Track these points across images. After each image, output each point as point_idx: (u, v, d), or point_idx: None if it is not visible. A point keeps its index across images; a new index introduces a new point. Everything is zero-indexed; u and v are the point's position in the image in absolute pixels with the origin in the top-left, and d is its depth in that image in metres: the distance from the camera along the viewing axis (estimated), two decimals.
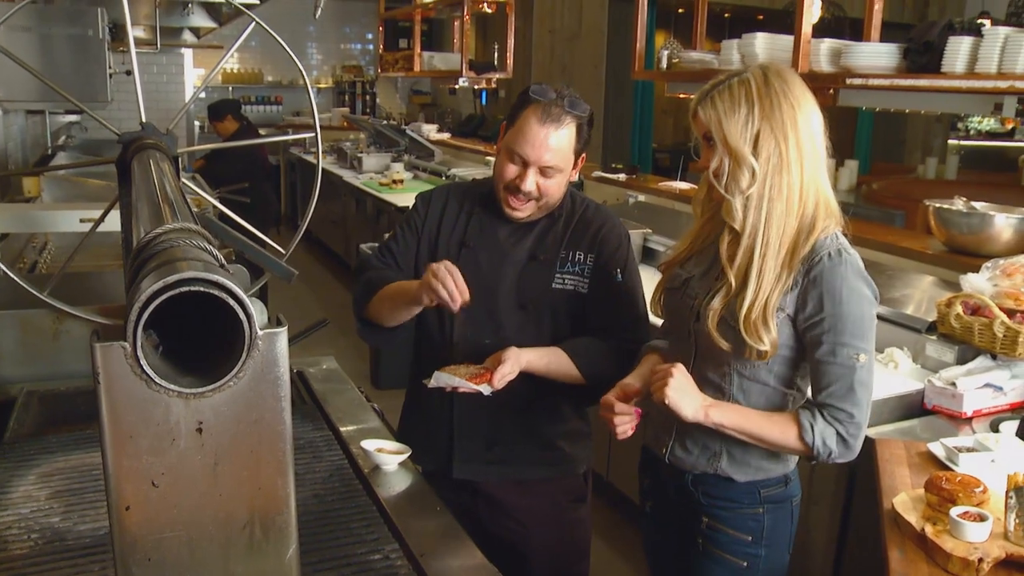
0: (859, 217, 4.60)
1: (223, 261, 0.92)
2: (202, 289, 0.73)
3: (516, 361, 1.91)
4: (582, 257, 2.04)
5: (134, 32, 7.12)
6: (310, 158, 8.87)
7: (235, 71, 10.91)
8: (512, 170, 1.95)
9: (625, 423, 1.80)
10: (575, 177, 2.04)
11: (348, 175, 7.60)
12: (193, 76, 8.34)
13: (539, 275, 2.03)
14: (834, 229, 1.72)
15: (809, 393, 1.78)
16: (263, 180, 5.98)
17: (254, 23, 2.28)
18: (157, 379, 0.73)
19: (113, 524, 0.75)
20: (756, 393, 1.77)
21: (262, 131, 8.43)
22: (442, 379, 1.88)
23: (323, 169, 8.14)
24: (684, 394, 1.70)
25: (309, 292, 7.33)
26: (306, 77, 2.38)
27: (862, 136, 9.45)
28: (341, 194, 7.61)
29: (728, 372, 1.77)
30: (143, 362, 0.72)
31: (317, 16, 2.65)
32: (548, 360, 1.97)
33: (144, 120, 2.29)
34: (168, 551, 0.76)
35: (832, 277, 1.66)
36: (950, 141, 9.81)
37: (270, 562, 0.80)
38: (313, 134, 2.41)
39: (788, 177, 1.67)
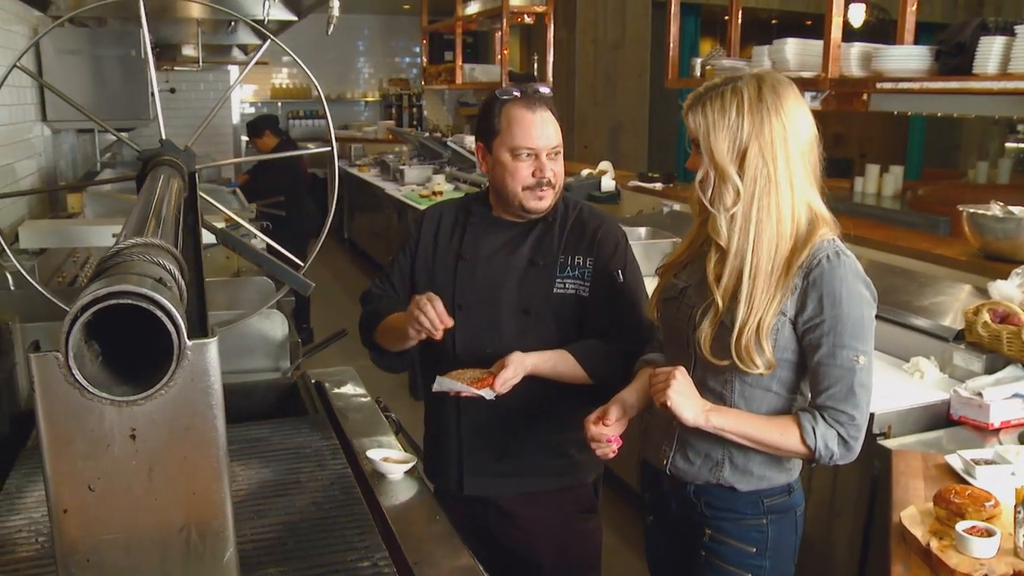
0: (901, 224, 4.49)
1: (176, 275, 0.95)
2: (130, 302, 0.75)
3: (520, 365, 1.92)
4: (581, 261, 2.05)
5: (185, 50, 7.31)
6: (354, 171, 8.99)
7: (283, 86, 11.12)
8: (527, 168, 1.98)
9: (603, 447, 1.81)
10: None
11: (390, 187, 7.69)
12: (240, 92, 8.53)
13: (540, 280, 2.05)
14: (831, 235, 1.70)
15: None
16: (303, 193, 6.08)
17: (269, 41, 2.35)
18: (89, 387, 0.76)
19: (53, 527, 0.78)
20: (758, 399, 1.75)
21: (309, 145, 8.57)
22: (445, 384, 1.90)
23: (366, 182, 8.26)
24: (685, 397, 1.68)
25: (351, 302, 7.42)
26: (320, 92, 2.42)
27: (914, 141, 9.25)
28: (384, 206, 7.71)
29: (729, 379, 1.75)
30: (75, 371, 0.75)
31: (329, 33, 2.71)
32: (554, 363, 1.98)
33: (164, 137, 2.37)
34: (107, 553, 0.79)
35: (831, 279, 1.64)
36: (1007, 144, 9.51)
37: (207, 565, 0.82)
38: (329, 148, 2.47)
39: (777, 197, 1.65)
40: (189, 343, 0.78)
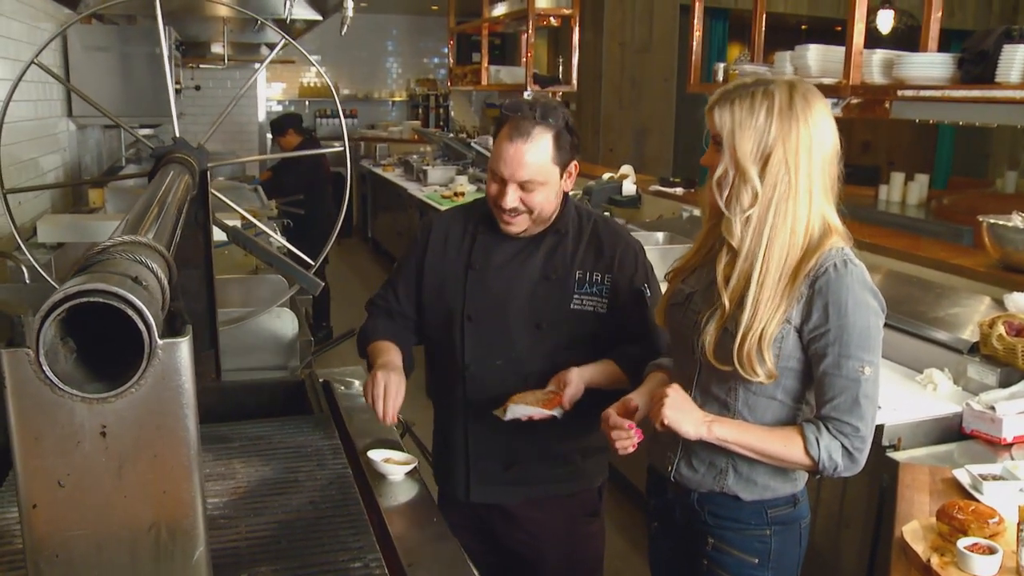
0: (924, 233, 4.45)
1: (158, 274, 0.96)
2: (101, 300, 0.76)
3: (581, 381, 1.93)
4: (599, 278, 2.04)
5: (214, 47, 7.36)
6: (379, 171, 9.03)
7: (311, 85, 11.19)
8: (494, 188, 1.97)
9: (623, 439, 1.78)
10: (569, 187, 2.04)
11: (413, 187, 7.71)
12: (267, 91, 8.59)
13: (555, 295, 2.03)
14: (841, 244, 1.68)
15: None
16: (326, 192, 6.11)
17: (283, 41, 2.37)
18: (60, 384, 0.77)
19: (23, 522, 0.79)
20: (762, 408, 1.73)
21: (335, 143, 8.63)
22: (517, 411, 1.90)
23: (390, 181, 8.28)
24: (682, 412, 1.67)
25: None
26: (334, 91, 2.44)
27: (943, 149, 9.12)
28: (407, 206, 7.74)
29: (734, 387, 1.73)
30: (45, 368, 0.76)
31: (343, 33, 2.72)
32: (607, 375, 1.98)
33: (177, 135, 2.40)
34: (75, 549, 0.80)
35: (838, 288, 1.62)
36: None
37: (177, 564, 0.82)
38: (341, 148, 2.49)
39: (794, 206, 1.63)
40: (160, 342, 0.78)
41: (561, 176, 1.98)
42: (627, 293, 2.04)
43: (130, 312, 0.77)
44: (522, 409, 1.88)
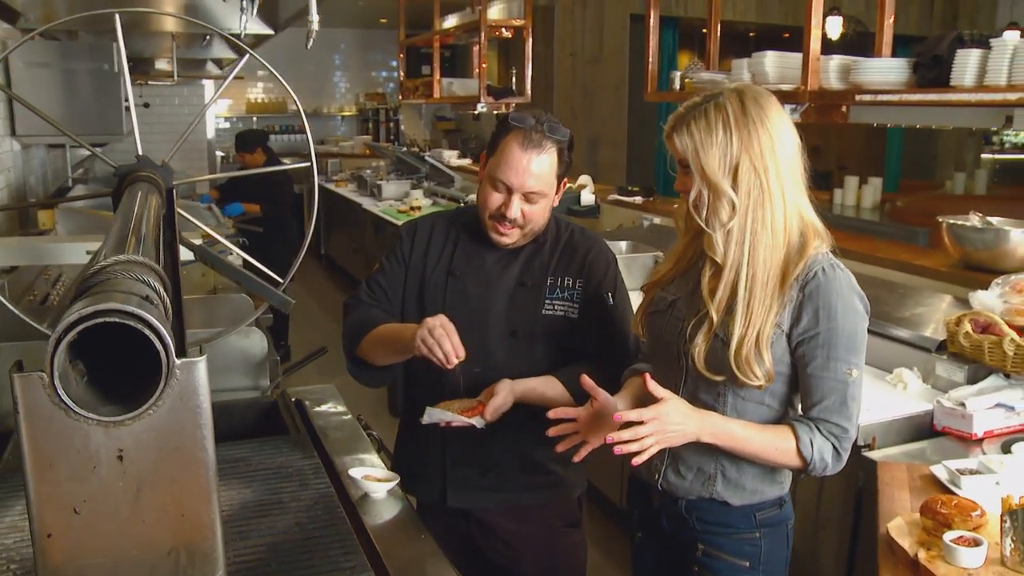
0: (880, 235, 4.54)
1: (161, 293, 0.93)
2: (118, 320, 0.73)
3: (510, 393, 1.91)
4: (571, 283, 2.04)
5: (158, 64, 7.21)
6: (331, 186, 8.94)
7: (260, 101, 11.06)
8: (497, 198, 1.96)
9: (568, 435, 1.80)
10: (557, 202, 2.04)
11: (368, 203, 7.65)
12: (215, 107, 8.46)
13: (528, 301, 2.03)
14: (824, 249, 1.70)
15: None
16: (286, 209, 6.01)
17: (248, 55, 2.33)
18: (75, 408, 0.74)
19: (36, 552, 0.76)
20: (750, 412, 1.73)
21: (286, 160, 8.53)
22: (435, 415, 1.88)
23: (344, 197, 8.21)
24: (673, 434, 1.62)
25: (329, 319, 7.36)
26: (300, 107, 2.41)
27: (892, 152, 9.33)
28: (362, 222, 7.67)
29: (722, 392, 1.73)
30: (60, 391, 0.73)
31: (308, 47, 2.69)
32: (543, 389, 1.96)
33: (140, 152, 2.34)
34: None
35: (827, 292, 1.64)
36: (983, 155, 9.64)
37: None
38: (308, 163, 2.45)
39: (771, 208, 1.65)
40: (178, 362, 0.76)
41: (556, 190, 2.00)
42: (594, 298, 2.04)
43: (147, 332, 0.74)
44: (439, 414, 1.87)
